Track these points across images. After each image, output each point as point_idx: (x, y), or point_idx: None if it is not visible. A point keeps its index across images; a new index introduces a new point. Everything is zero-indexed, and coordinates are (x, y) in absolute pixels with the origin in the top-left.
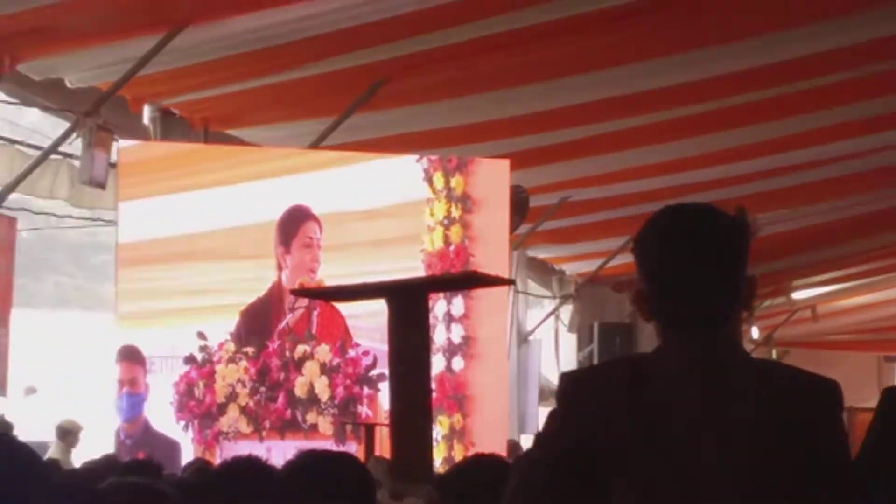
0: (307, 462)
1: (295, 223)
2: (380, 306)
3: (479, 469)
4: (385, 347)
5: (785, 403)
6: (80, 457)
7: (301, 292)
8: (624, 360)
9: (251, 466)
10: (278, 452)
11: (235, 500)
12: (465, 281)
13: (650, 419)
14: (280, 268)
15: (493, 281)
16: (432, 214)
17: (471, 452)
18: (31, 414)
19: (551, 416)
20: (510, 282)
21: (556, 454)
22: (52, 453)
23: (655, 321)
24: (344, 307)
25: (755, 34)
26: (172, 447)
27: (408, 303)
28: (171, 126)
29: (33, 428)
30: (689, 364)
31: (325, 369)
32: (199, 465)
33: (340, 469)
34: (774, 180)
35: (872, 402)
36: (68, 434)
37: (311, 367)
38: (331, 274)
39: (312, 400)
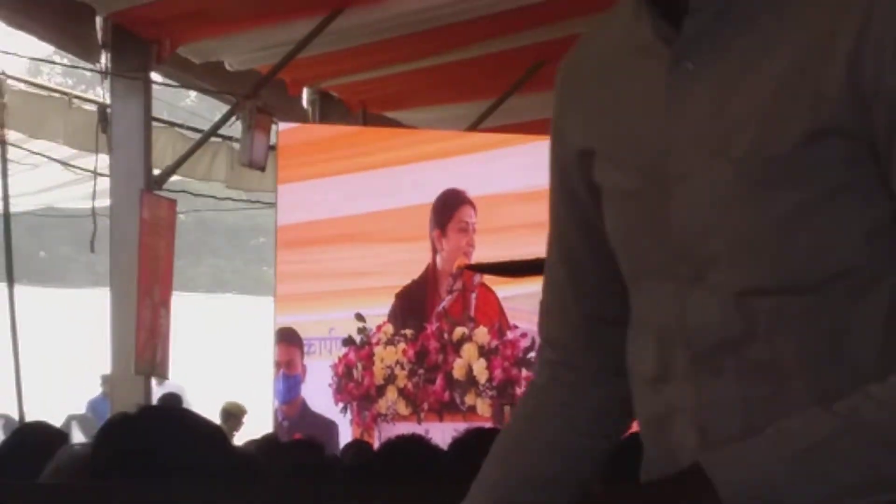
0: (475, 439)
1: (450, 207)
2: (538, 288)
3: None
4: None
5: None
6: (241, 440)
7: (472, 267)
8: None
9: (417, 444)
10: (437, 434)
11: (404, 477)
12: None
13: None
14: (435, 251)
15: None
16: None
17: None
18: (191, 395)
19: None
20: None
21: None
22: None
23: None
24: (500, 290)
25: None
26: (330, 428)
27: None
28: (330, 108)
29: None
30: None
31: (484, 351)
32: (360, 446)
33: None
34: None
35: None
36: (232, 417)
37: (469, 350)
38: (486, 257)
39: (471, 382)
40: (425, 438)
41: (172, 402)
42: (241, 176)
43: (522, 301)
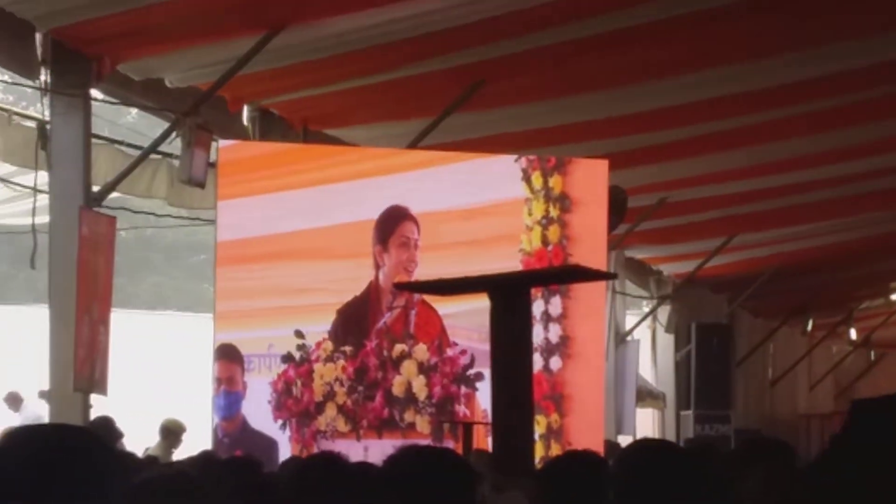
0: (410, 456)
1: (392, 223)
2: (477, 305)
3: (578, 463)
4: (482, 347)
5: None
6: (180, 456)
7: (404, 286)
8: None
9: (333, 462)
10: (375, 451)
11: (336, 495)
12: (567, 274)
13: None
14: (377, 267)
15: (595, 275)
16: (530, 214)
17: None
18: (131, 413)
19: None
20: (612, 276)
21: None
22: (153, 451)
23: None
24: (441, 307)
25: (856, 36)
26: (270, 445)
27: (511, 296)
28: (270, 126)
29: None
30: None
31: (423, 368)
32: (297, 463)
33: (443, 463)
34: (876, 181)
35: None
36: (171, 434)
37: (408, 367)
38: (428, 274)
39: (410, 399)
40: (341, 457)
41: (104, 425)
42: (181, 193)
43: (463, 318)
